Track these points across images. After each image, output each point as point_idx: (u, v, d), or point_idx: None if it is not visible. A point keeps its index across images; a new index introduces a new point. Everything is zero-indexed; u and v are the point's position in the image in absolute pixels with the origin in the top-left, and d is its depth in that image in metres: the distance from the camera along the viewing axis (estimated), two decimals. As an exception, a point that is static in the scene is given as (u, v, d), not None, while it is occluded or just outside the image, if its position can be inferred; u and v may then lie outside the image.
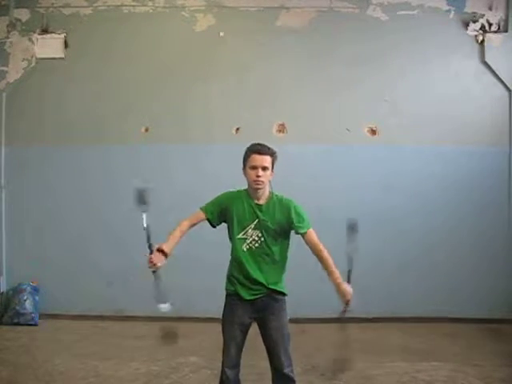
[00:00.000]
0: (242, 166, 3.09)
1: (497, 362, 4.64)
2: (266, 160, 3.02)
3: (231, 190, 3.14)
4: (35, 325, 5.79)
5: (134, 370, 4.44)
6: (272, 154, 3.05)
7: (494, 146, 6.04)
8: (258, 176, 3.00)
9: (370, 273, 5.86)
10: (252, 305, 3.05)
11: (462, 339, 5.35)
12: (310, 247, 3.07)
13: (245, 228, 3.06)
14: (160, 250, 2.97)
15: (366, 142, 6.08)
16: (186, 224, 3.12)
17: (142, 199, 3.17)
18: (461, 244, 6.00)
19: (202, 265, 5.66)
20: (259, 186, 3.02)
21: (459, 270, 5.99)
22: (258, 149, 3.05)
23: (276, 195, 3.10)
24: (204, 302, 5.46)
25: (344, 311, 2.93)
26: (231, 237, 3.11)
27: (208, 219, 3.10)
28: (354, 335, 5.47)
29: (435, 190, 6.04)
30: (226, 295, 3.14)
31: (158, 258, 2.97)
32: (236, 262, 3.08)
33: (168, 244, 3.01)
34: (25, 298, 5.85)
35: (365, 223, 5.92)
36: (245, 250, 3.05)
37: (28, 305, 5.83)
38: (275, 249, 3.07)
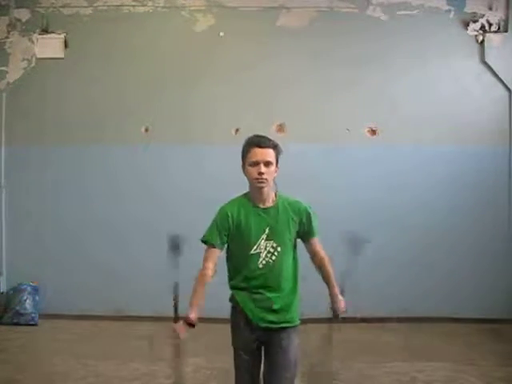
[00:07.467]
0: (241, 164, 2.72)
1: (496, 362, 4.64)
2: (269, 154, 2.60)
3: (226, 203, 2.76)
4: (35, 325, 5.79)
5: (133, 370, 4.44)
6: (274, 146, 2.64)
7: (493, 146, 6.04)
8: (261, 173, 2.57)
9: (370, 273, 5.87)
10: (259, 328, 2.66)
11: (462, 339, 5.35)
12: (313, 254, 2.77)
13: (256, 241, 2.62)
14: (188, 323, 2.58)
15: (365, 142, 6.08)
16: (209, 273, 2.64)
17: (175, 246, 2.96)
18: (460, 244, 6.00)
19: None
20: (262, 185, 2.60)
21: (459, 270, 5.99)
22: (258, 141, 2.62)
23: (282, 196, 2.73)
24: (204, 302, 5.46)
25: (335, 317, 2.85)
26: (240, 255, 2.66)
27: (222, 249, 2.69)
28: (354, 335, 5.50)
29: (435, 190, 6.04)
30: (232, 307, 2.76)
31: (183, 329, 2.58)
32: (248, 284, 2.65)
33: (195, 311, 2.60)
34: (25, 298, 5.85)
35: (364, 223, 6.01)
36: (261, 266, 2.62)
37: (28, 305, 5.83)
38: (290, 261, 2.69)
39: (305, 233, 2.73)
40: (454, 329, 5.66)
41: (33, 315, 5.82)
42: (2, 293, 6.04)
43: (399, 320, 5.86)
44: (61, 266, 6.03)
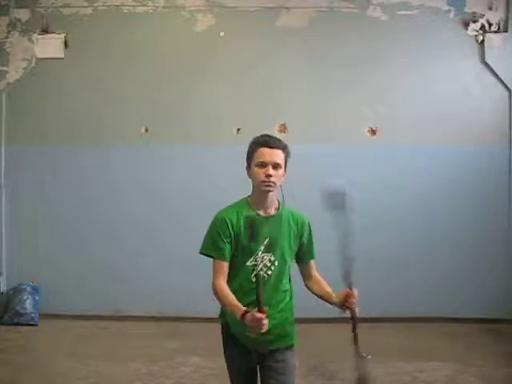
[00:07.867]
0: (244, 165, 2.49)
1: (497, 362, 4.65)
2: (278, 155, 2.38)
3: (224, 208, 2.49)
4: (35, 325, 5.78)
5: (133, 370, 4.44)
6: (284, 147, 2.42)
7: (494, 146, 6.04)
8: (268, 175, 2.34)
9: (370, 272, 5.86)
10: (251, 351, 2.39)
11: (461, 339, 5.36)
12: (310, 277, 2.55)
13: (254, 253, 2.38)
14: (247, 311, 2.20)
15: (366, 142, 6.08)
16: (226, 286, 2.38)
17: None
18: (460, 244, 6.00)
19: (202, 265, 5.64)
20: (269, 188, 2.37)
21: (459, 270, 5.99)
22: (266, 141, 2.40)
23: (285, 206, 2.50)
24: (204, 302, 5.45)
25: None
26: (234, 266, 2.41)
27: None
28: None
29: (435, 190, 6.03)
30: (224, 329, 2.51)
31: (259, 315, 2.14)
32: (240, 300, 2.33)
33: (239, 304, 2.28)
34: (25, 298, 5.84)
35: (364, 223, 5.99)
36: (254, 280, 2.34)
37: (28, 305, 5.82)
38: (286, 276, 2.48)
39: (304, 251, 2.52)
40: (454, 329, 5.65)
41: (33, 315, 5.82)
42: (2, 293, 6.04)
43: (399, 320, 5.85)
44: (61, 266, 6.02)
